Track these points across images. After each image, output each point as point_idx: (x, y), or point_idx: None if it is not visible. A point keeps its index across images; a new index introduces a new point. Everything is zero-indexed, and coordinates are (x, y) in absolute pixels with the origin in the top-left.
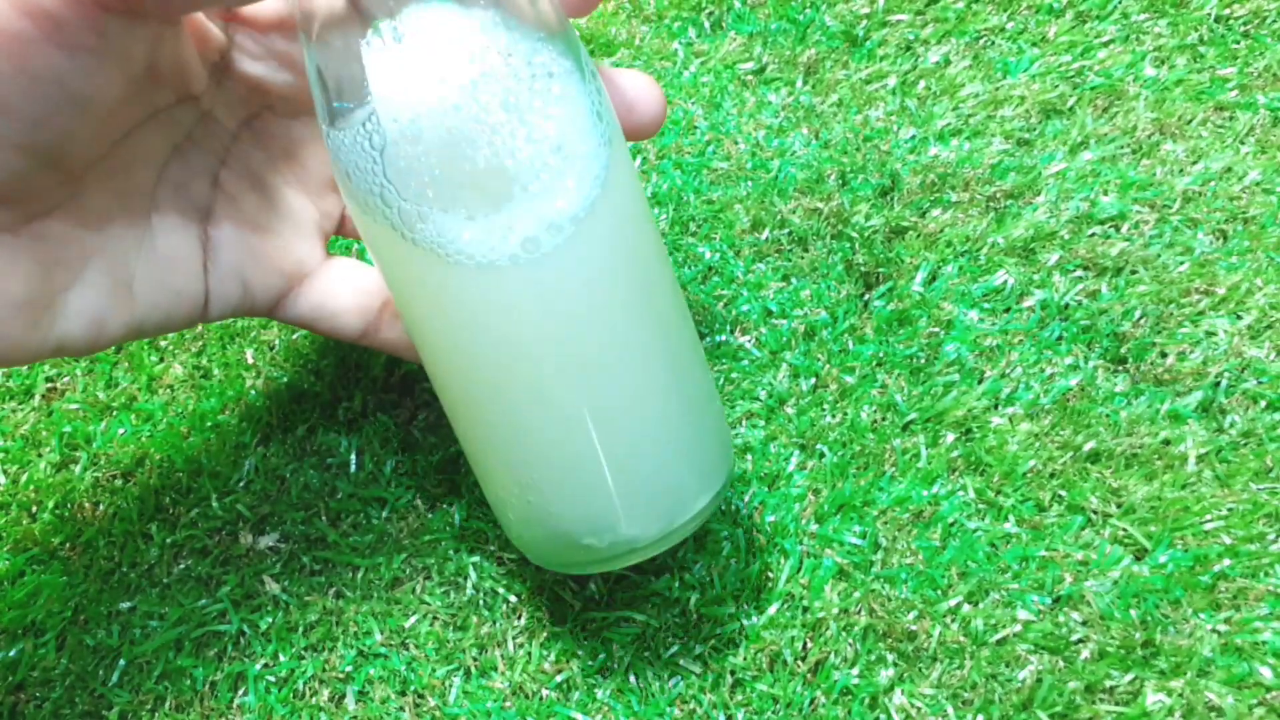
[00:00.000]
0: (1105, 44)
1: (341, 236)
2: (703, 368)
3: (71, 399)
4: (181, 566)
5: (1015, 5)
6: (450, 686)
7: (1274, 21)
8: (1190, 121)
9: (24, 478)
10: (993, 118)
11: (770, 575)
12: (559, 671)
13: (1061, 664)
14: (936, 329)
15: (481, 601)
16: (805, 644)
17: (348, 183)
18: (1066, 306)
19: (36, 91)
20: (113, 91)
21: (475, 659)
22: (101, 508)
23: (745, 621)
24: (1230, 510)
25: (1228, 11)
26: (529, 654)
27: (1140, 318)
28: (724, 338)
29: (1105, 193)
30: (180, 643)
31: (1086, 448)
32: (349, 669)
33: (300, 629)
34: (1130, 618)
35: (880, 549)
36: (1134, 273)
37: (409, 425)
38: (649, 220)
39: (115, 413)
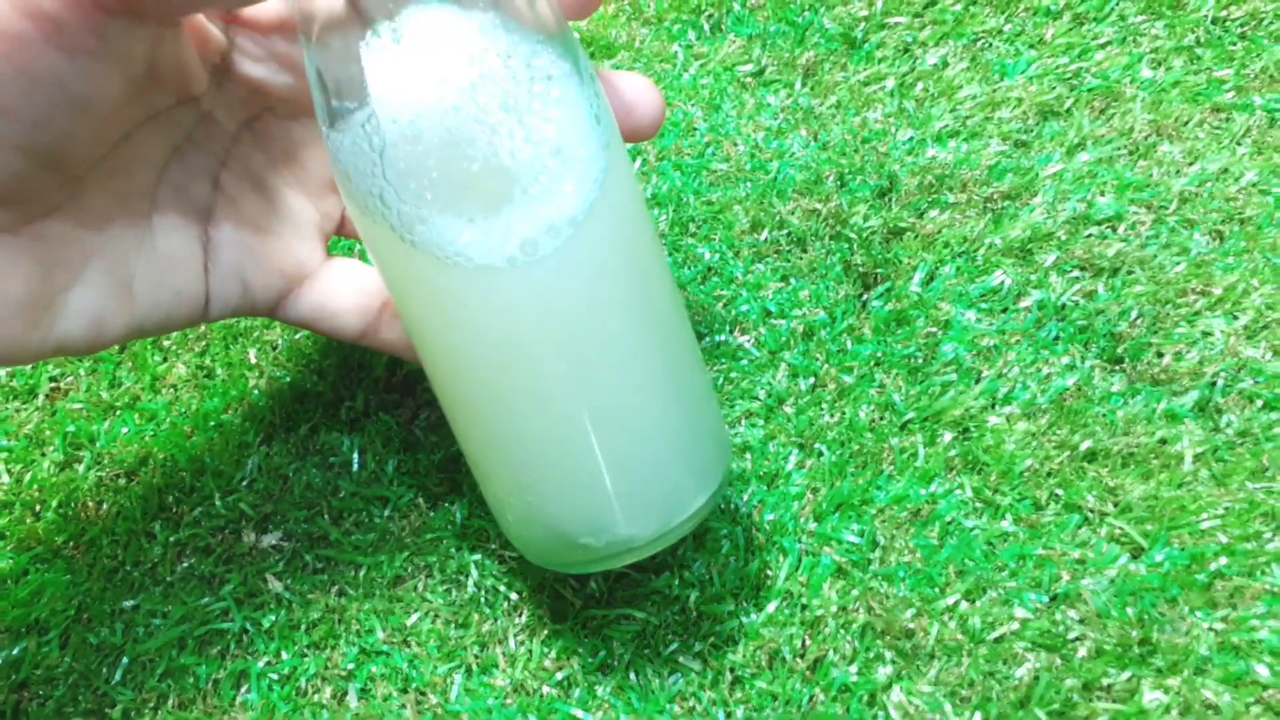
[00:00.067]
0: (1102, 46)
1: (342, 237)
2: (700, 368)
3: (75, 398)
4: (185, 565)
5: (1013, 7)
6: (452, 684)
7: (1271, 23)
8: (1187, 123)
9: (28, 477)
10: (990, 119)
11: (769, 573)
12: (560, 669)
13: (1059, 662)
14: (934, 329)
15: (483, 599)
16: (804, 641)
17: (347, 184)
18: (1063, 307)
19: (36, 93)
20: (113, 93)
21: (477, 656)
22: (105, 507)
23: (744, 619)
24: (1227, 509)
25: (1225, 13)
26: (530, 651)
27: (1137, 318)
28: (723, 338)
29: (1102, 194)
30: (183, 641)
31: (1083, 447)
32: (351, 666)
33: (303, 627)
34: (1127, 616)
35: (878, 547)
36: (1131, 273)
37: (411, 424)
38: (647, 223)
39: (119, 412)
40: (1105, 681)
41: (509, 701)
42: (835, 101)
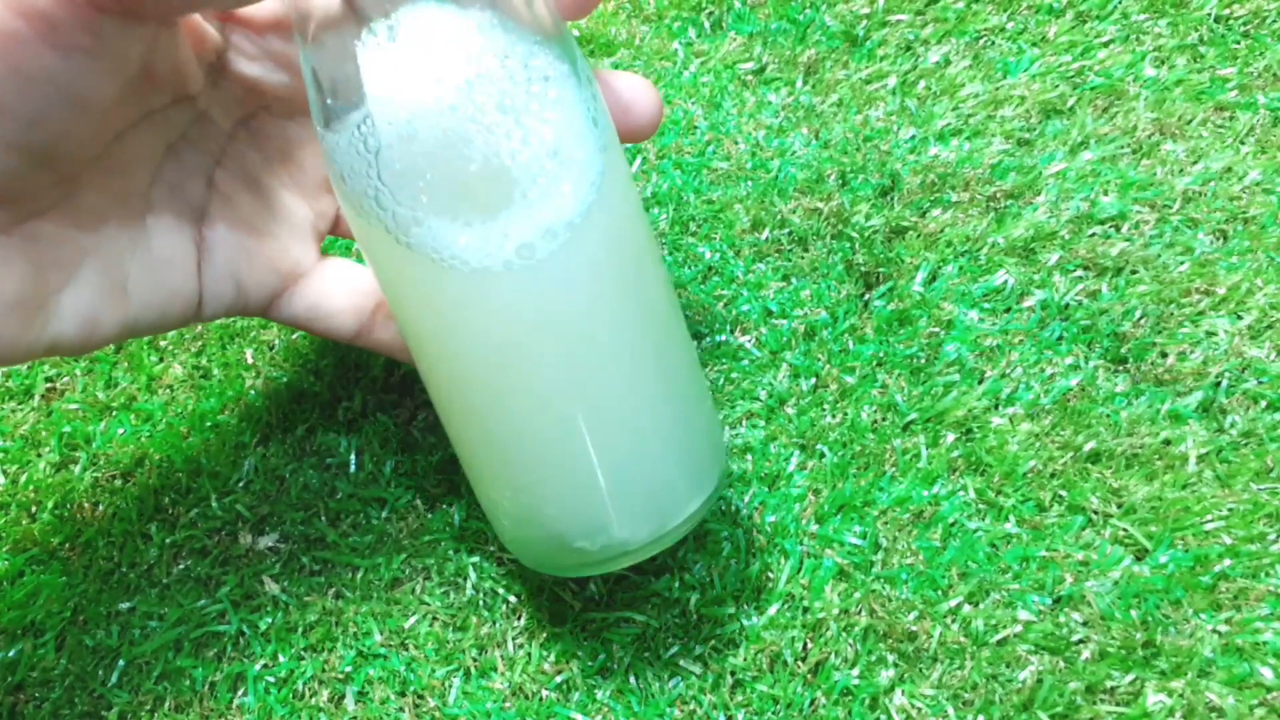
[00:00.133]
0: (1105, 44)
1: (337, 237)
2: (696, 372)
3: (71, 399)
4: (181, 567)
5: (1015, 5)
6: (450, 687)
7: (1274, 21)
8: (1190, 121)
9: (23, 478)
10: (993, 118)
11: (770, 576)
12: (559, 672)
13: (1062, 664)
14: (937, 329)
15: (481, 602)
16: (805, 644)
17: (342, 185)
18: (1067, 306)
19: (31, 92)
20: (108, 92)
21: (475, 659)
22: (101, 508)
23: (745, 622)
24: (1231, 510)
25: (1228, 11)
26: (529, 654)
27: (1140, 318)
28: (724, 338)
29: (1105, 193)
30: (179, 643)
31: (1087, 448)
32: (348, 669)
33: (300, 629)
34: (1131, 618)
35: (880, 549)
36: (1134, 273)
37: (409, 425)
38: (644, 225)
39: (115, 413)
40: (1109, 684)
41: (508, 705)
42: (837, 99)
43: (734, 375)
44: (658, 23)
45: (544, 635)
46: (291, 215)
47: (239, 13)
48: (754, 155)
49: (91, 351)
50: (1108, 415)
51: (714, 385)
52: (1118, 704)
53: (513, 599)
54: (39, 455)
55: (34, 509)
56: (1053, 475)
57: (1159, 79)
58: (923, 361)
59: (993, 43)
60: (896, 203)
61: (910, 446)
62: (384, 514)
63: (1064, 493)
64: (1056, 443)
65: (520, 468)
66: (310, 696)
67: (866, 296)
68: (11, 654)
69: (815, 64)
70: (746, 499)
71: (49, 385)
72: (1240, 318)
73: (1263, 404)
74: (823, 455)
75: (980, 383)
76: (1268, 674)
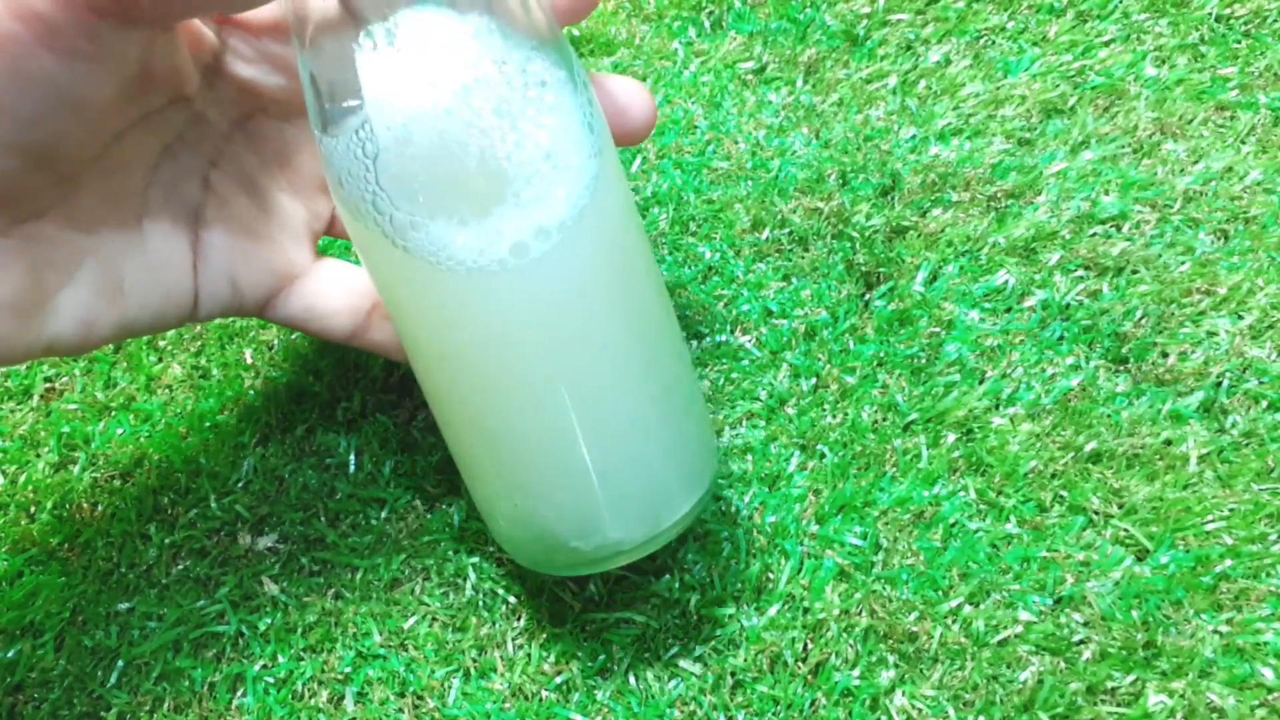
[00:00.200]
0: (1106, 43)
1: (333, 238)
2: (688, 373)
3: (70, 399)
4: (180, 567)
5: (1016, 5)
6: (449, 688)
7: (1275, 21)
8: (1191, 121)
9: (22, 478)
10: (993, 117)
11: (771, 576)
12: (559, 673)
13: (1063, 665)
14: (937, 329)
15: (481, 602)
16: (806, 645)
17: (340, 189)
18: (1068, 306)
19: (29, 94)
20: (105, 94)
21: (474, 660)
22: (100, 508)
23: (745, 623)
24: (1232, 511)
25: (1229, 11)
26: (528, 655)
27: (1141, 318)
28: (724, 338)
29: (1106, 192)
30: (179, 644)
31: (1088, 448)
32: (348, 670)
33: (299, 630)
34: (1132, 619)
35: (881, 550)
36: (1135, 272)
37: (408, 425)
38: (638, 228)
39: (114, 413)
40: (1110, 685)
41: (507, 705)
42: (837, 99)
43: (734, 375)
44: (658, 22)
45: (544, 636)
46: (287, 216)
47: (236, 16)
48: (754, 155)
49: (88, 352)
50: (1109, 415)
51: (714, 385)
52: (1119, 705)
53: (512, 600)
54: (38, 455)
55: (33, 509)
56: (1053, 475)
57: (1160, 78)
58: (923, 361)
59: (993, 42)
60: (897, 202)
61: (911, 447)
62: (383, 514)
63: (1065, 493)
64: (1057, 443)
65: (514, 468)
66: (309, 697)
67: (867, 296)
68: (10, 654)
69: (815, 63)
70: (747, 499)
71: (48, 385)
72: (1241, 318)
73: (1264, 404)
74: (823, 455)
75: (981, 383)
76: (1269, 674)
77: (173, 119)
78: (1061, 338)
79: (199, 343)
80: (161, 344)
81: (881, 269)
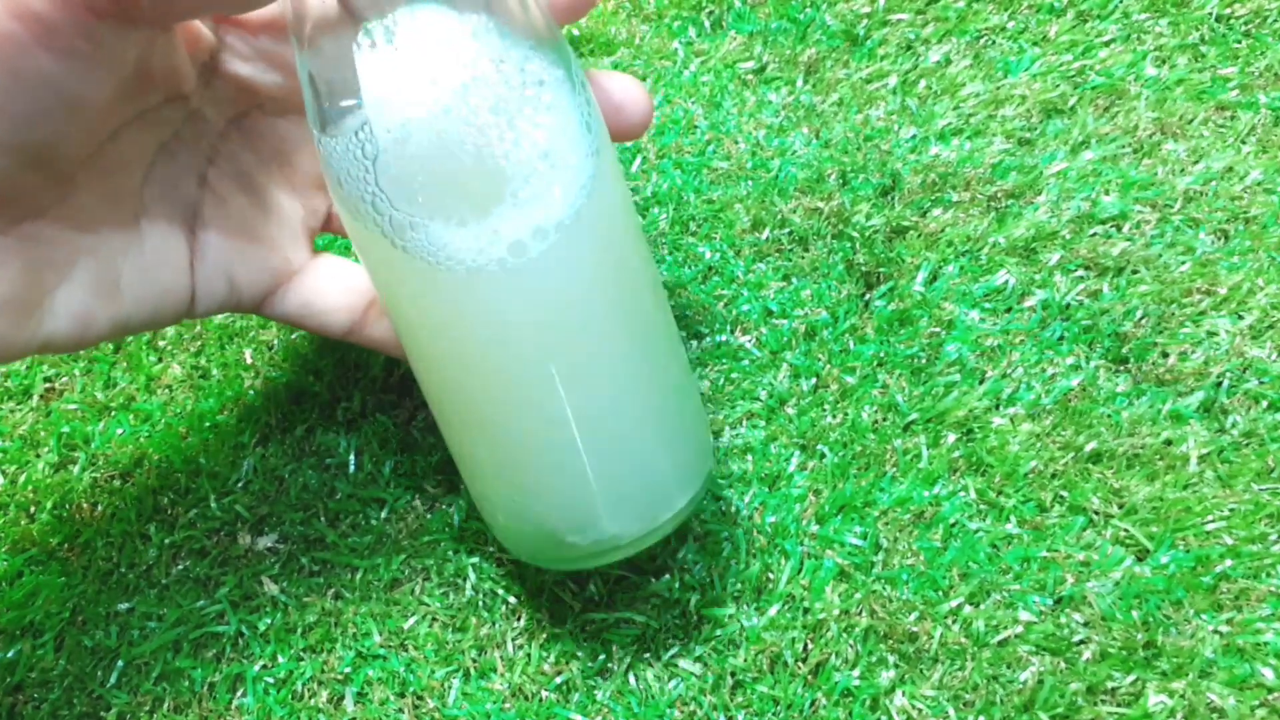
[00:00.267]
0: (1106, 43)
1: (331, 234)
2: (684, 369)
3: (70, 399)
4: (180, 567)
5: (1016, 4)
6: (449, 688)
7: (1275, 21)
8: (1191, 121)
9: (22, 478)
10: (994, 117)
11: (771, 576)
12: (558, 673)
13: (1063, 665)
14: (938, 329)
15: (481, 603)
16: (806, 645)
17: (339, 189)
18: (1068, 306)
19: (26, 93)
20: (103, 93)
21: (474, 660)
22: (100, 508)
23: (745, 623)
24: (1232, 511)
25: (1229, 11)
26: (528, 655)
27: (1142, 318)
28: (724, 337)
29: (1106, 192)
30: (178, 644)
31: (1088, 448)
32: (348, 670)
33: (299, 630)
34: (1132, 619)
35: (881, 550)
36: (1135, 272)
37: (408, 425)
38: (635, 227)
39: (114, 413)
40: (1110, 685)
41: (507, 706)
42: (837, 99)
43: (734, 375)
44: (658, 22)
45: (544, 636)
46: (284, 213)
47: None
48: (754, 155)
49: (84, 349)
50: (1109, 415)
51: (714, 385)
52: (1119, 705)
53: (512, 600)
54: (38, 455)
55: (33, 509)
56: (1054, 475)
57: (1160, 78)
58: (923, 361)
59: (993, 42)
60: (897, 202)
61: (911, 447)
62: (383, 514)
63: (1065, 493)
64: (1057, 443)
65: (512, 463)
66: (309, 697)
67: (867, 296)
68: (10, 654)
69: (816, 63)
70: (747, 499)
71: (48, 385)
72: (1241, 318)
73: (1264, 404)
74: (823, 455)
75: (981, 383)
76: (1269, 674)
77: (169, 117)
78: (1062, 338)
79: (199, 343)
80: (161, 344)
81: (881, 269)
